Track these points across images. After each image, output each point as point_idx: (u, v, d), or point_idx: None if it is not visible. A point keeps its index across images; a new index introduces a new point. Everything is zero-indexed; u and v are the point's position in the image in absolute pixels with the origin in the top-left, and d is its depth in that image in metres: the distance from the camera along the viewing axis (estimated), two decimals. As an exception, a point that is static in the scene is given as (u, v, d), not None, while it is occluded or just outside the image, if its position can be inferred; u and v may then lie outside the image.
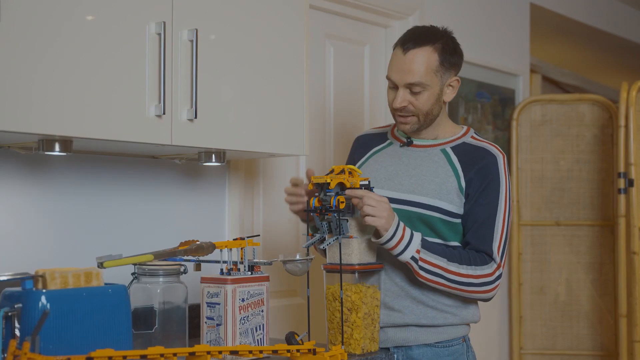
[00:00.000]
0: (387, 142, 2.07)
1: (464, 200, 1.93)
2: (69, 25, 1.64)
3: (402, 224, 1.85)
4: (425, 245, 1.87)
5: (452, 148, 1.98)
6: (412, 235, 1.85)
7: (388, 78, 1.95)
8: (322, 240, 1.89)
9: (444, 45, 1.93)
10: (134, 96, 1.75)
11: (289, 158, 2.60)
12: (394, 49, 1.96)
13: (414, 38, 1.92)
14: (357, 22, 2.91)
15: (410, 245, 1.84)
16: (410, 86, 1.91)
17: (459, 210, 1.93)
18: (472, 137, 2.01)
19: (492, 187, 1.92)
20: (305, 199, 1.92)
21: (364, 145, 2.11)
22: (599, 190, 3.71)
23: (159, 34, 1.78)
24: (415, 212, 1.93)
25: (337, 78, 2.83)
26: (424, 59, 1.90)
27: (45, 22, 1.60)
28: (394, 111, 1.96)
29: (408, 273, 1.94)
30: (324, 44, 2.79)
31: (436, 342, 1.95)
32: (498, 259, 1.91)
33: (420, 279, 1.88)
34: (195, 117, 1.85)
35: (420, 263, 1.85)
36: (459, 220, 1.94)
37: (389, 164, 2.01)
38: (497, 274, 1.90)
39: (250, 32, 2.02)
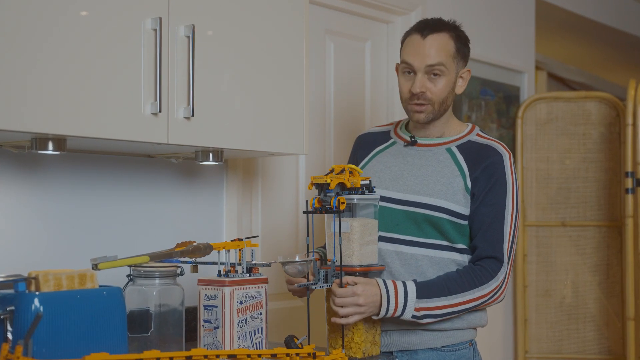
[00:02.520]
0: (391, 141, 2.05)
1: (470, 201, 1.91)
2: (63, 21, 1.63)
3: (391, 293, 1.81)
4: (422, 291, 1.83)
5: (458, 147, 1.96)
6: (406, 295, 1.82)
7: (404, 62, 1.93)
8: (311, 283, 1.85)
9: (459, 34, 1.97)
10: (130, 94, 1.74)
11: (288, 157, 2.59)
12: (407, 37, 1.97)
13: (430, 25, 1.95)
14: (358, 18, 2.89)
15: (407, 308, 1.82)
16: (431, 69, 1.91)
17: (466, 211, 1.91)
18: (478, 134, 2.00)
19: (499, 186, 1.90)
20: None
21: (366, 145, 2.08)
22: (606, 190, 3.68)
23: (155, 30, 1.77)
24: (421, 213, 1.91)
25: (338, 75, 2.81)
26: (443, 43, 1.93)
27: (38, 18, 1.59)
28: (409, 100, 1.94)
29: (412, 275, 1.91)
30: (324, 40, 2.77)
31: (442, 346, 1.93)
32: (506, 262, 1.89)
33: (428, 325, 1.88)
34: (192, 115, 1.84)
35: (422, 317, 1.83)
36: (466, 222, 1.92)
37: (393, 164, 1.99)
38: (505, 281, 1.89)
39: (249, 28, 2.00)
